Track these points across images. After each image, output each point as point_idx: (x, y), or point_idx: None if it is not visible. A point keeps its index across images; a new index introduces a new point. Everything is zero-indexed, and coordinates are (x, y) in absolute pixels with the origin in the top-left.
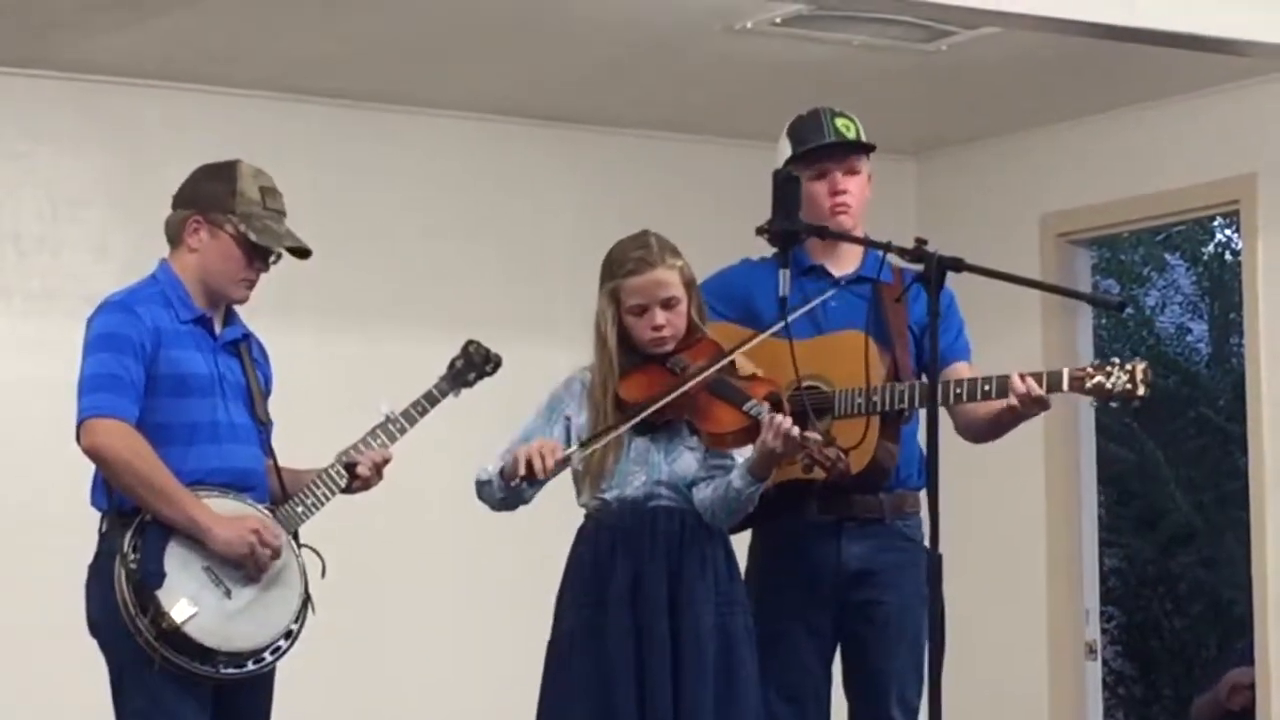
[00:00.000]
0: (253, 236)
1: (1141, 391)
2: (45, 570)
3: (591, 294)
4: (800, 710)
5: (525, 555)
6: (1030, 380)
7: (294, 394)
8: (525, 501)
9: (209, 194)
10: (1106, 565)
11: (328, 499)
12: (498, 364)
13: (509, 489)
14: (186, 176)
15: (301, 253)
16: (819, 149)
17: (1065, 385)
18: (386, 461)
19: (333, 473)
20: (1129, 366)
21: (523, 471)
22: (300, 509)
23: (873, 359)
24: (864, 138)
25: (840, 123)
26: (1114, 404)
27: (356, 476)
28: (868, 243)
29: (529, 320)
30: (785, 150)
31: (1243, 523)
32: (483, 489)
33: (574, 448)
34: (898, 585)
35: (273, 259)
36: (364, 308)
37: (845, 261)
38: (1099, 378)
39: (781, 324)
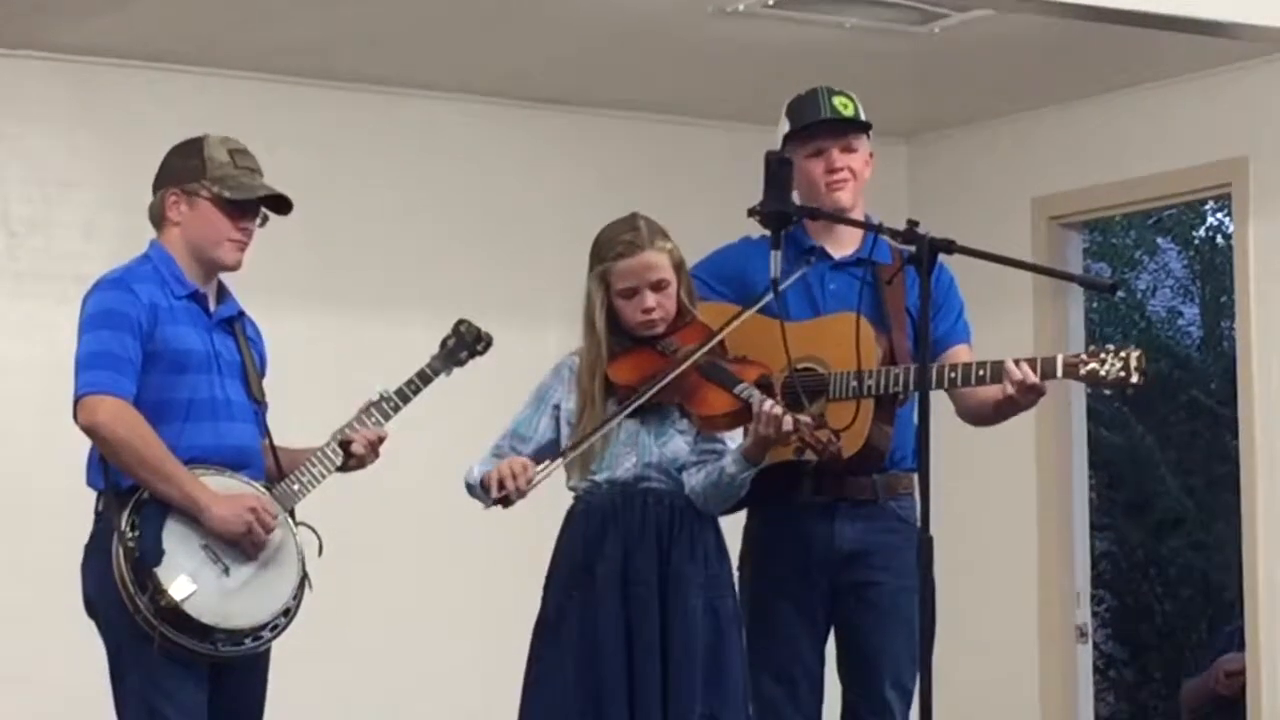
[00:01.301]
0: (227, 194)
1: (1135, 379)
2: (38, 552)
3: (581, 277)
4: (793, 692)
5: (517, 535)
6: (1025, 366)
7: (283, 377)
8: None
9: (180, 168)
10: (1097, 549)
11: (323, 477)
12: (489, 343)
13: (491, 502)
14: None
15: (281, 204)
16: (815, 126)
17: (1059, 372)
18: (382, 440)
19: (328, 451)
20: (1123, 353)
21: (495, 495)
22: (296, 487)
23: (866, 340)
24: (863, 117)
25: (838, 100)
26: (1108, 390)
27: (352, 455)
28: (858, 224)
29: (518, 303)
30: (784, 129)
31: (1233, 507)
32: (471, 492)
33: (545, 465)
34: (891, 567)
35: (259, 221)
36: (353, 291)
37: (845, 243)
38: (1093, 364)
39: (769, 296)
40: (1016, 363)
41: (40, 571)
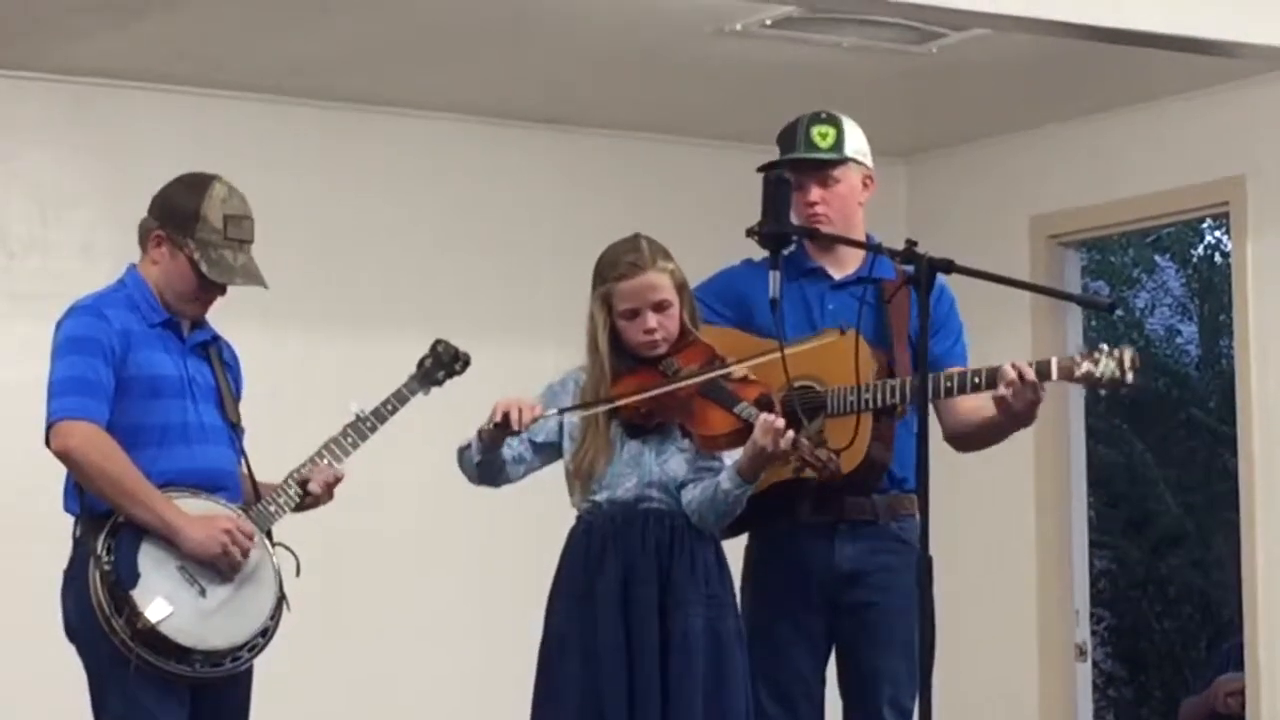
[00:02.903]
0: (204, 268)
1: (1129, 378)
2: (38, 576)
3: (579, 296)
4: (793, 712)
5: (517, 556)
6: (1022, 364)
7: (280, 397)
8: (507, 476)
9: (175, 210)
10: (1096, 567)
11: (286, 510)
12: (466, 362)
13: (486, 445)
14: (170, 180)
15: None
16: (785, 165)
17: (1054, 373)
18: (338, 481)
19: (287, 489)
20: (1116, 353)
21: (498, 419)
22: (273, 508)
23: (863, 355)
24: (846, 143)
25: (817, 131)
26: (1103, 391)
27: (309, 493)
28: (856, 244)
29: (516, 322)
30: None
31: (1232, 524)
32: (463, 455)
33: (552, 411)
34: (890, 587)
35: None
36: (350, 310)
37: (845, 263)
38: (1087, 365)
39: (778, 354)
40: (1013, 365)
41: (39, 596)
